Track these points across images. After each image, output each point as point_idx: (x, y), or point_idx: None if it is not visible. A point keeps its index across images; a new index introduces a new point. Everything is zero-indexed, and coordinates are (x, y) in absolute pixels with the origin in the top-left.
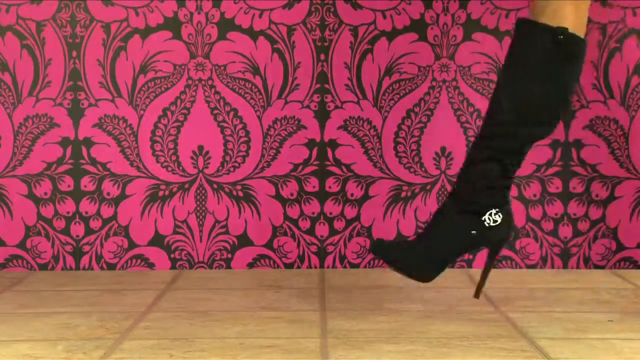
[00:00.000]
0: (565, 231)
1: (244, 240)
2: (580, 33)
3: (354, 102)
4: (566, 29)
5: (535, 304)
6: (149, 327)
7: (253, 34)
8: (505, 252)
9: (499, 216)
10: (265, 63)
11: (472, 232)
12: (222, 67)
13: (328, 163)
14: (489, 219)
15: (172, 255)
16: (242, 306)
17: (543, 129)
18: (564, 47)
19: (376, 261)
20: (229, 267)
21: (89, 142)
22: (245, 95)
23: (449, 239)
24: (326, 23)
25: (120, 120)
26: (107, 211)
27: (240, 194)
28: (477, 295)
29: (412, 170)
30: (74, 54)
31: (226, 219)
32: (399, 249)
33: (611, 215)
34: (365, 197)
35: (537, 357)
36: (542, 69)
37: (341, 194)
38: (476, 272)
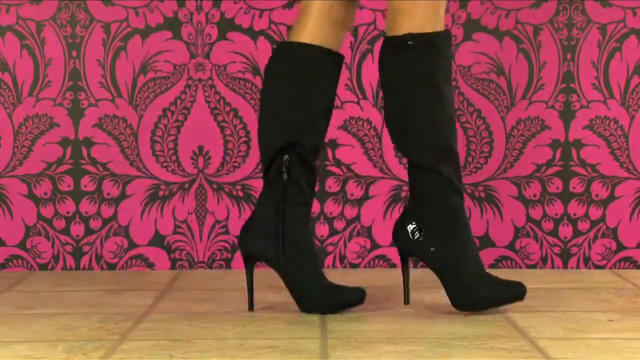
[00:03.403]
0: (565, 231)
1: None
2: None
3: (354, 102)
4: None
5: (535, 304)
6: (149, 328)
7: (253, 34)
8: (505, 252)
9: None
10: (266, 63)
11: None
12: (222, 67)
13: (328, 163)
14: None
15: (172, 255)
16: (241, 307)
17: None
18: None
19: (376, 261)
20: (229, 267)
21: (89, 142)
22: (245, 95)
23: None
24: None
25: (120, 120)
26: (107, 211)
27: (240, 194)
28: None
29: None
30: (74, 54)
31: (226, 219)
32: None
33: (611, 215)
34: (365, 197)
35: (537, 357)
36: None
37: (341, 194)
38: None
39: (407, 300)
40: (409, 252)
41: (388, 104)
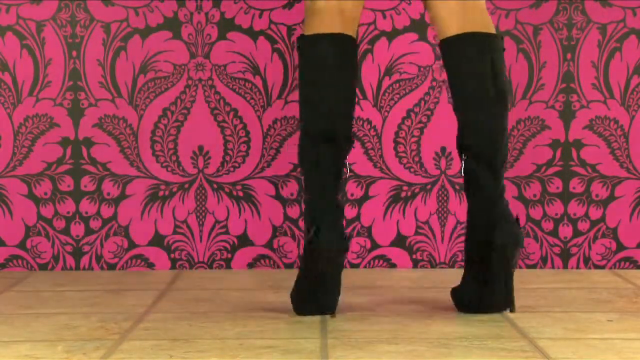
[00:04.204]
0: (565, 231)
1: (244, 240)
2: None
3: None
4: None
5: (535, 304)
6: (149, 327)
7: (253, 34)
8: None
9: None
10: (265, 63)
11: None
12: (222, 67)
13: None
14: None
15: (172, 255)
16: (241, 307)
17: None
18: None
19: (376, 261)
20: (229, 267)
21: (89, 142)
22: (245, 95)
23: None
24: None
25: (120, 120)
26: (107, 211)
27: (240, 194)
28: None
29: (412, 170)
30: (74, 54)
31: (226, 219)
32: None
33: (611, 215)
34: (365, 197)
35: (537, 357)
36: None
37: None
38: None
39: (512, 308)
40: (516, 243)
41: (485, 104)
